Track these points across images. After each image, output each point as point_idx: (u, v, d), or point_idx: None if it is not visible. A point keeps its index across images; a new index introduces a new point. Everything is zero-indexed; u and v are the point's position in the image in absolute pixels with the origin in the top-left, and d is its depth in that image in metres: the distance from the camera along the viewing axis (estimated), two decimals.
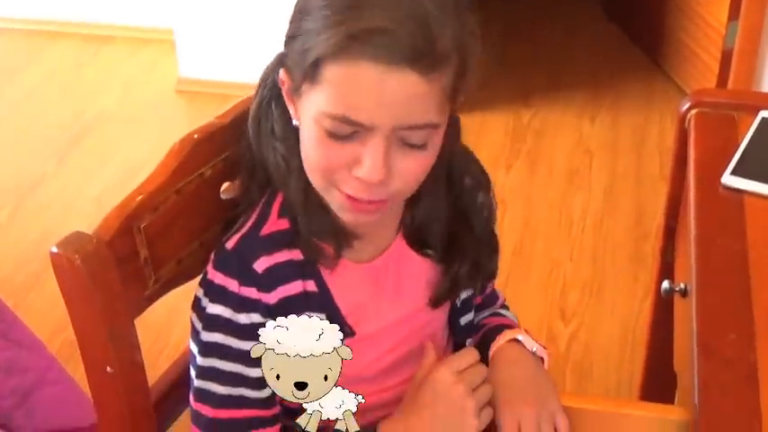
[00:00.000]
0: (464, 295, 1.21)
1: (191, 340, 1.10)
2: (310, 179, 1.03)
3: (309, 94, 0.97)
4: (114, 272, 1.01)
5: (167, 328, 1.97)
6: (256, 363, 1.05)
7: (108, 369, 1.04)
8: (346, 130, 0.95)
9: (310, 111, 0.97)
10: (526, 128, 3.20)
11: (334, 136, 0.96)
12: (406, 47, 0.91)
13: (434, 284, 1.16)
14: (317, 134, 0.97)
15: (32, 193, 2.92)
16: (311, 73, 0.95)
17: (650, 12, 3.53)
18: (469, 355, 1.09)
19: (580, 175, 2.97)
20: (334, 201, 1.02)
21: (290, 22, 1.00)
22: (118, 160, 3.00)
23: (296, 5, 0.99)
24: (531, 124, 3.22)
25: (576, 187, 2.92)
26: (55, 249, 0.98)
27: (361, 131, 0.95)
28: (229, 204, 1.14)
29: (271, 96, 1.07)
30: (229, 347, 1.06)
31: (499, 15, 3.81)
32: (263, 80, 1.08)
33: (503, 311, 1.32)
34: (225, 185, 1.15)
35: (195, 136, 1.11)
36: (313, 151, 0.99)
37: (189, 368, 1.14)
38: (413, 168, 0.99)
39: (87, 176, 2.98)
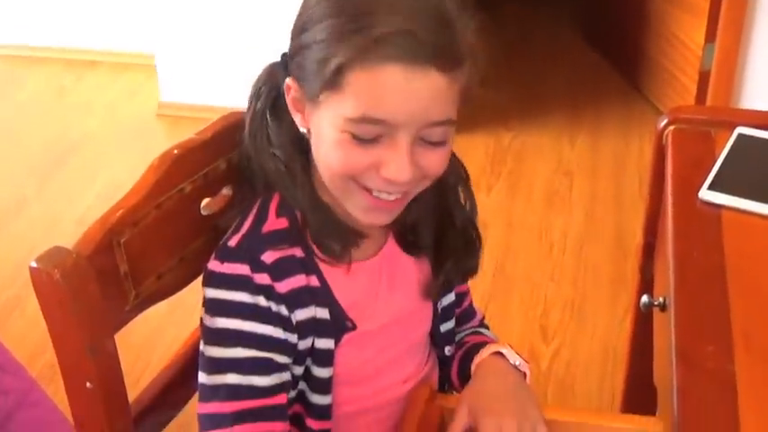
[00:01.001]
0: (446, 302, 1.22)
1: (203, 341, 1.08)
2: (328, 183, 1.05)
3: (330, 102, 0.98)
4: (94, 286, 1.00)
5: (149, 347, 1.95)
6: (271, 347, 1.06)
7: (88, 385, 1.02)
8: (372, 133, 0.98)
9: (332, 118, 0.99)
10: (506, 150, 3.22)
11: (359, 139, 0.98)
12: (429, 46, 0.94)
13: (424, 283, 1.18)
14: (340, 139, 0.98)
15: (15, 215, 2.92)
16: (332, 81, 0.96)
17: (628, 35, 3.56)
18: None
19: (560, 197, 2.98)
20: (357, 203, 1.04)
21: (296, 35, 1.01)
22: (100, 183, 3.01)
23: (299, 18, 1.01)
24: (512, 146, 3.24)
25: (557, 209, 2.93)
26: (34, 264, 0.97)
27: (386, 132, 0.97)
28: (210, 220, 1.14)
29: (264, 108, 1.08)
30: (244, 334, 1.05)
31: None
32: (255, 93, 1.09)
33: (483, 330, 1.33)
34: (205, 201, 1.14)
35: (175, 152, 1.10)
36: (336, 156, 1.00)
37: (168, 387, 1.14)
38: (434, 164, 1.02)
39: (70, 199, 2.98)
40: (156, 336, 1.82)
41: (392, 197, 1.03)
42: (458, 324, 1.29)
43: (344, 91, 0.96)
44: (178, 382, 1.18)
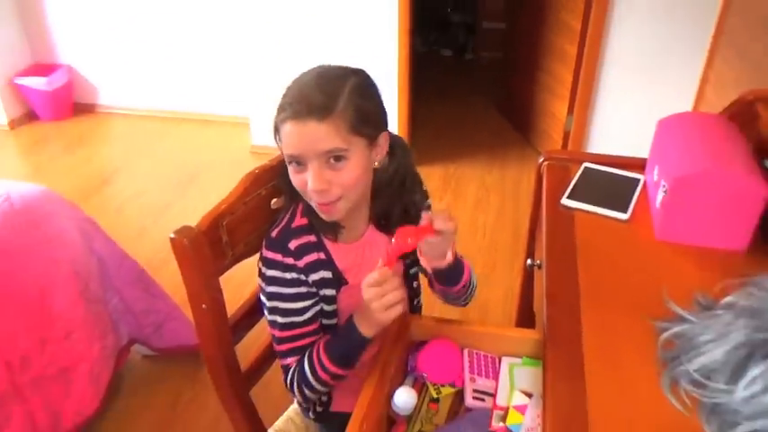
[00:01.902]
0: (411, 258, 1.19)
1: (260, 294, 1.09)
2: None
3: (282, 149, 0.98)
4: (207, 249, 1.00)
5: (240, 286, 1.96)
6: (299, 299, 1.06)
7: (203, 306, 1.03)
8: (294, 163, 0.96)
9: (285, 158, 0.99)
10: (452, 176, 3.20)
11: (294, 168, 0.97)
12: (305, 107, 0.93)
13: None
14: (289, 170, 0.99)
15: (164, 212, 2.91)
16: (276, 136, 0.98)
17: (524, 110, 3.55)
18: (380, 272, 0.94)
19: (482, 204, 2.97)
20: (315, 207, 1.02)
21: None
22: (213, 194, 2.98)
23: None
24: (455, 174, 3.22)
25: (480, 210, 2.92)
26: (173, 235, 0.97)
27: (303, 162, 0.96)
28: (275, 211, 1.13)
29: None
30: (282, 293, 1.05)
31: (434, 115, 3.84)
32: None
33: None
34: (274, 201, 1.14)
35: (256, 171, 1.10)
36: (293, 181, 1.00)
37: (252, 310, 1.14)
38: (342, 178, 0.97)
39: (195, 203, 2.97)
40: (243, 279, 1.81)
41: (320, 200, 0.98)
42: None
43: (280, 141, 0.97)
44: (255, 308, 1.19)
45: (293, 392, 1.09)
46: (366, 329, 1.00)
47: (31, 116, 3.81)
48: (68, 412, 1.69)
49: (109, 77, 3.85)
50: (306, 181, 0.96)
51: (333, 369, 1.04)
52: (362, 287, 0.95)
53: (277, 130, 0.97)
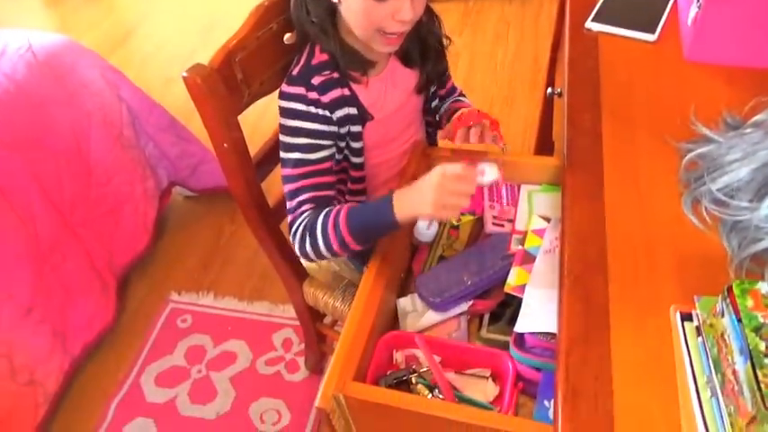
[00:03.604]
0: (432, 89, 1.11)
1: (280, 133, 1.00)
2: (360, 34, 0.94)
3: None
4: (222, 87, 0.93)
5: (259, 124, 1.91)
6: (321, 137, 0.99)
7: (225, 145, 0.98)
8: None
9: None
10: (471, 10, 2.96)
11: (377, 0, 0.88)
12: None
13: (415, 83, 1.08)
14: (365, 5, 0.89)
15: (189, 60, 2.70)
16: None
17: None
18: (464, 168, 0.83)
19: (502, 37, 2.77)
20: (377, 42, 0.94)
21: None
22: None
23: None
24: (473, 8, 2.98)
25: (500, 43, 2.73)
26: (185, 74, 0.90)
27: None
28: (289, 47, 1.04)
29: None
30: (301, 128, 0.98)
31: None
32: None
33: (462, 98, 1.20)
34: (287, 36, 1.04)
35: (265, 3, 1.00)
36: (363, 16, 0.90)
37: (275, 148, 1.07)
38: (421, 6, 0.93)
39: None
40: (262, 118, 1.74)
41: (402, 29, 0.93)
42: (444, 98, 1.19)
43: None
44: (275, 147, 1.12)
45: (294, 240, 0.97)
46: (401, 210, 0.86)
47: None
48: (121, 248, 1.73)
49: None
50: (389, 12, 0.89)
51: (345, 234, 0.90)
52: (436, 172, 0.81)
53: None
